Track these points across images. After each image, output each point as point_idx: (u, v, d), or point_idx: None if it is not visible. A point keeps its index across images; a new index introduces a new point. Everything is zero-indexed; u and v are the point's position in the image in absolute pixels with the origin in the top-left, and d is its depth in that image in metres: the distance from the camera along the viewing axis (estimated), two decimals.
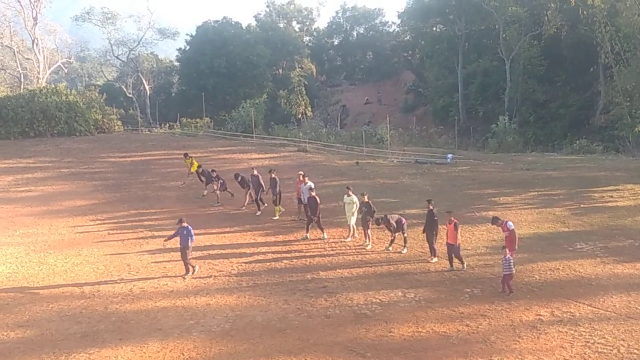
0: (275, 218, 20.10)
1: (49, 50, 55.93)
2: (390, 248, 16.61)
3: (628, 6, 37.24)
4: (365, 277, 14.70)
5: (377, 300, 13.16)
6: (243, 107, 44.45)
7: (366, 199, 17.17)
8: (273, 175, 20.23)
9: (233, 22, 63.72)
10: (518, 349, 10.80)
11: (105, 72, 72.59)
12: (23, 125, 37.01)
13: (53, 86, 42.59)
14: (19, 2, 50.37)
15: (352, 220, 17.56)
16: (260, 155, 30.96)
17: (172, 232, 15.66)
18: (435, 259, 15.55)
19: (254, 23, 70.60)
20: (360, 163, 29.22)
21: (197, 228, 18.26)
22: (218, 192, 22.22)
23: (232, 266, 15.79)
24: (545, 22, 48.89)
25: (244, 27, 65.67)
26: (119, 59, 62.39)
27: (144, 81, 60.02)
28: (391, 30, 79.23)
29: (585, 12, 41.61)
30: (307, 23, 77.13)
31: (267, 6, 73.72)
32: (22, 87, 50.19)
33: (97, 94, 46.63)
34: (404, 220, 16.42)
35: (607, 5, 39.80)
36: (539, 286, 13.69)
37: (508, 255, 13.27)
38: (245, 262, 16.07)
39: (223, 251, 17.06)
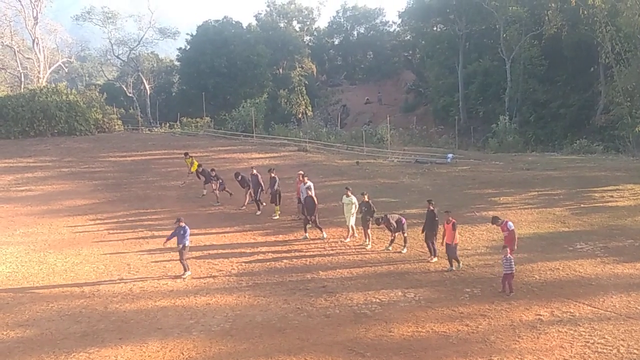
0: (276, 218, 20.12)
1: (50, 50, 55.87)
2: (390, 248, 16.61)
3: (629, 6, 37.19)
4: (365, 277, 14.70)
5: (377, 300, 13.16)
6: (243, 106, 44.43)
7: (366, 199, 17.17)
8: (273, 175, 20.25)
9: (233, 22, 63.72)
10: (518, 349, 10.80)
11: (106, 72, 72.59)
12: (23, 125, 36.97)
13: (53, 85, 42.52)
14: (20, 1, 50.31)
15: (351, 221, 17.56)
16: (261, 155, 30.96)
17: (171, 232, 15.67)
18: (435, 259, 15.54)
19: (254, 23, 70.56)
20: (360, 163, 29.21)
21: (197, 227, 18.35)
22: (217, 191, 22.23)
23: (232, 266, 15.80)
24: (545, 22, 48.85)
25: (245, 27, 65.66)
26: (119, 58, 62.37)
27: (144, 81, 60.01)
28: (392, 30, 79.19)
29: (585, 12, 41.54)
30: (308, 23, 77.07)
31: (268, 6, 73.72)
32: (22, 86, 50.15)
33: (97, 94, 46.63)
34: (404, 220, 16.42)
35: (608, 5, 39.75)
36: (539, 286, 13.69)
37: (509, 255, 13.27)
38: (245, 262, 16.08)
39: (223, 251, 17.07)
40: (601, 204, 20.52)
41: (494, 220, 14.48)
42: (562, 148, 38.70)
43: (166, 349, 11.23)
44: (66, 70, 64.94)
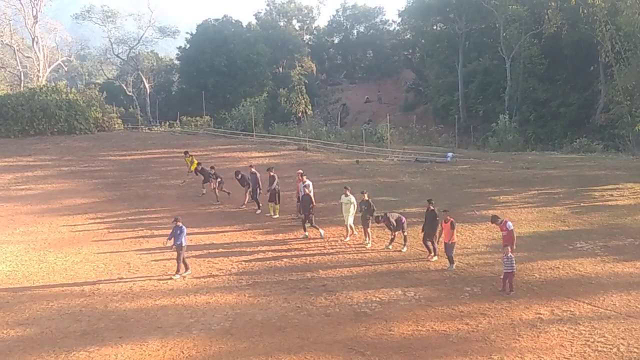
0: (276, 217, 20.11)
1: (49, 49, 55.77)
2: (390, 247, 16.61)
3: (628, 5, 37.17)
4: (365, 276, 14.70)
5: (377, 299, 13.16)
6: (243, 105, 44.38)
7: (366, 197, 17.17)
8: (272, 173, 20.24)
9: (233, 21, 63.64)
10: (518, 348, 10.80)
11: (106, 71, 72.50)
12: (23, 124, 36.95)
13: (53, 84, 42.48)
14: (19, 0, 50.31)
15: (350, 220, 17.56)
16: (261, 154, 30.95)
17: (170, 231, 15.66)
18: (435, 258, 15.54)
19: (254, 21, 70.49)
20: (360, 162, 29.21)
21: (197, 226, 18.37)
22: (217, 190, 22.22)
23: (232, 265, 15.80)
24: (545, 20, 48.80)
25: (244, 26, 65.58)
26: (119, 57, 62.32)
27: (144, 79, 59.95)
28: (391, 28, 79.12)
29: (585, 11, 41.47)
30: (308, 21, 76.99)
31: (268, 5, 73.63)
32: (22, 85, 50.13)
33: (97, 92, 46.54)
34: (404, 218, 16.42)
35: (608, 4, 39.70)
36: (539, 285, 13.69)
37: (510, 254, 13.27)
38: (245, 261, 16.08)
39: (223, 249, 17.07)
40: (601, 203, 20.52)
41: (494, 219, 14.48)
42: (562, 147, 38.68)
43: (166, 348, 11.23)
44: (66, 69, 64.86)
